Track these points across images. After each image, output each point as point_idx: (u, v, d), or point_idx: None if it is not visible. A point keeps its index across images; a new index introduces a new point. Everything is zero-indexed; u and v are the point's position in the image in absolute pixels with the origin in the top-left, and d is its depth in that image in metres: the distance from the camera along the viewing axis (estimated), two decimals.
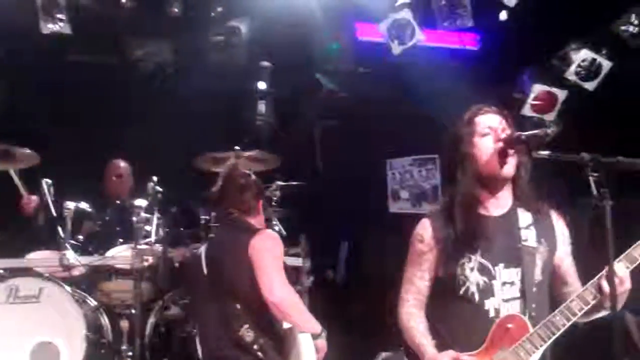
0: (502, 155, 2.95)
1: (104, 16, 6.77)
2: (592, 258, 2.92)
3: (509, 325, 2.89)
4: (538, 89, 6.96)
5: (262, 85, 7.58)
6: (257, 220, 4.36)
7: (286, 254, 5.76)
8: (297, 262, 5.86)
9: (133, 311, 5.16)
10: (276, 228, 5.76)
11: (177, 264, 5.53)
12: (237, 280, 4.00)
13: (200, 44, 7.05)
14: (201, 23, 6.99)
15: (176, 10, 6.78)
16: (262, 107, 7.59)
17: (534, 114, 6.96)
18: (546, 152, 2.86)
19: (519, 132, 2.96)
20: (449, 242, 2.98)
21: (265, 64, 7.51)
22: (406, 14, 6.56)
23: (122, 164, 6.61)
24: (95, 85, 7.27)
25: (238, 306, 3.97)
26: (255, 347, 3.90)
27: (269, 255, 4.02)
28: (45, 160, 5.72)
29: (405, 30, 6.65)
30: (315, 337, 4.00)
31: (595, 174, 2.66)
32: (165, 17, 6.83)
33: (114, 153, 6.70)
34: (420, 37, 6.64)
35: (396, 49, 6.66)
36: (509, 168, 2.98)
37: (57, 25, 6.41)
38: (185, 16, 6.86)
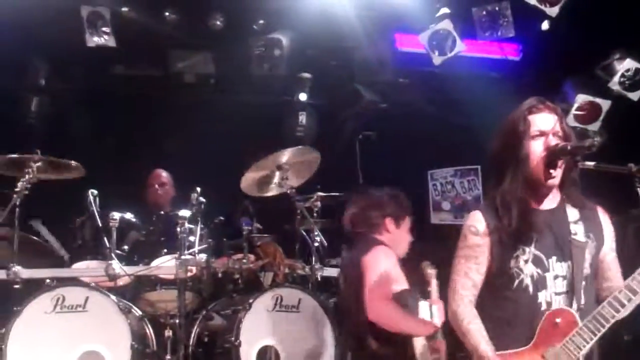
0: (548, 165, 2.96)
1: (147, 29, 6.89)
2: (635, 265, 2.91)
3: (558, 320, 2.90)
4: (581, 99, 6.90)
5: (302, 96, 7.64)
6: (386, 237, 4.41)
7: (327, 264, 5.87)
8: (338, 273, 5.89)
9: (177, 321, 5.21)
10: (317, 239, 5.79)
11: (220, 275, 5.60)
12: (357, 295, 4.12)
13: (242, 56, 7.13)
14: (243, 35, 7.08)
15: (218, 22, 6.90)
16: (302, 118, 7.65)
17: (577, 124, 6.89)
18: (592, 163, 2.87)
19: (564, 143, 2.95)
20: (503, 235, 2.98)
21: (306, 75, 7.57)
22: (447, 25, 6.56)
23: (164, 173, 6.73)
24: (139, 96, 7.40)
25: (361, 318, 4.09)
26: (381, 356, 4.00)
27: (370, 272, 4.13)
28: (90, 171, 5.81)
29: (446, 41, 6.65)
30: (429, 339, 4.03)
31: None
32: (207, 30, 6.94)
33: (157, 163, 6.82)
34: (461, 47, 6.63)
35: (437, 59, 6.67)
36: (554, 181, 3.00)
37: (102, 39, 6.54)
38: (227, 28, 6.96)
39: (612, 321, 2.86)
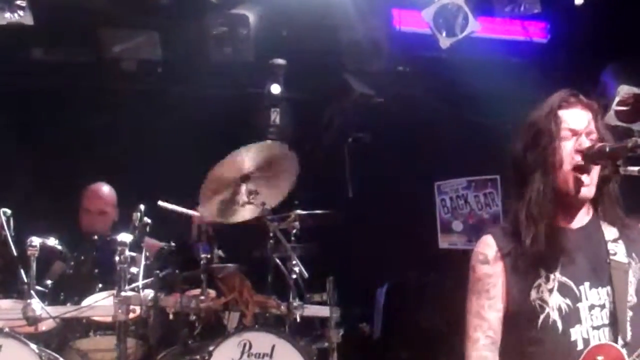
0: (581, 171, 3.03)
1: (73, 4, 6.91)
2: None
3: (599, 358, 2.96)
4: (624, 90, 6.99)
5: (275, 88, 7.70)
6: None
7: (310, 301, 5.94)
8: (323, 311, 5.97)
9: None
10: (296, 269, 5.86)
11: (171, 316, 5.64)
12: None
13: (197, 37, 7.18)
14: (198, 11, 7.12)
15: None
16: (275, 115, 7.72)
17: (619, 123, 6.98)
18: (637, 168, 2.92)
19: (602, 144, 3.01)
20: (520, 261, 3.05)
21: (279, 61, 7.64)
22: None
23: (105, 189, 6.63)
24: (65, 89, 7.42)
25: None
26: None
27: None
28: (1, 185, 5.83)
29: (456, 19, 6.75)
30: None
31: None
32: (151, 3, 6.97)
33: (91, 176, 6.76)
34: (474, 27, 6.73)
35: (444, 41, 6.76)
36: (587, 191, 3.06)
37: (15, 15, 6.53)
38: (178, 2, 7.00)
39: None
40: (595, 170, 3.05)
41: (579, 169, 3.03)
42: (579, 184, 3.04)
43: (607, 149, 2.97)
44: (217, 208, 5.84)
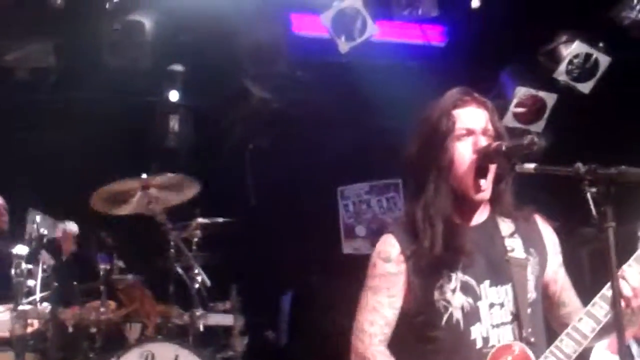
0: (479, 173, 3.07)
1: None
2: (593, 293, 3.07)
3: (508, 359, 3.00)
4: (521, 92, 7.14)
5: (173, 95, 7.66)
6: None
7: (213, 310, 5.92)
8: (226, 320, 5.95)
9: None
10: (198, 278, 5.83)
11: (70, 328, 5.56)
12: None
13: (92, 44, 7.09)
14: (92, 17, 7.03)
15: (58, 1, 6.82)
16: (174, 123, 7.68)
17: (517, 124, 7.11)
18: (532, 165, 2.98)
19: (498, 143, 3.06)
20: (422, 262, 3.07)
21: (177, 67, 7.60)
22: (355, 2, 6.71)
23: None
24: None
25: None
26: None
27: None
28: None
29: (354, 23, 6.81)
30: None
31: (594, 189, 2.74)
32: (44, 10, 6.85)
33: None
34: (373, 30, 6.80)
35: (343, 46, 6.81)
36: (484, 195, 3.11)
37: None
38: (71, 9, 6.90)
39: (574, 357, 2.98)
40: (492, 169, 3.09)
41: (477, 170, 3.07)
42: (476, 187, 3.08)
43: (504, 148, 3.02)
44: (107, 200, 5.82)
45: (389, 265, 3.13)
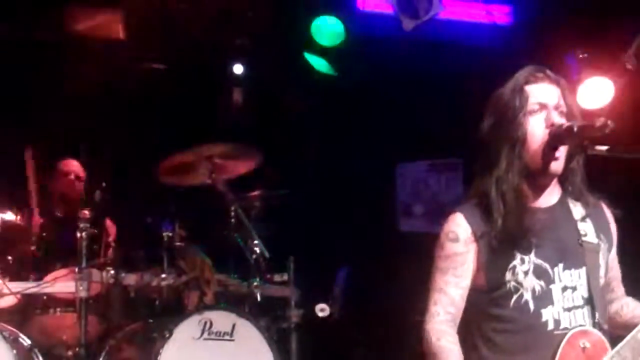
0: (551, 148, 3.05)
1: None
2: None
3: (585, 345, 3.00)
4: (589, 75, 7.05)
5: (238, 68, 7.70)
6: None
7: (270, 281, 5.97)
8: (283, 291, 6.00)
9: (77, 351, 5.26)
10: (256, 249, 5.88)
11: (132, 294, 5.66)
12: None
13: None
14: None
15: None
16: (237, 95, 7.73)
17: (583, 107, 7.04)
18: (604, 147, 2.98)
19: (570, 123, 3.04)
20: (494, 242, 3.07)
21: (242, 41, 7.64)
22: None
23: (76, 163, 6.68)
24: None
25: None
26: None
27: None
28: None
29: (420, 1, 6.78)
30: None
31: None
32: None
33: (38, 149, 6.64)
34: (438, 9, 6.78)
35: (408, 23, 6.80)
36: (557, 166, 3.09)
37: None
38: None
39: None
40: (564, 147, 3.07)
41: (548, 145, 3.05)
42: (549, 158, 3.06)
43: (575, 128, 2.99)
44: (173, 170, 5.88)
45: (457, 245, 3.13)
